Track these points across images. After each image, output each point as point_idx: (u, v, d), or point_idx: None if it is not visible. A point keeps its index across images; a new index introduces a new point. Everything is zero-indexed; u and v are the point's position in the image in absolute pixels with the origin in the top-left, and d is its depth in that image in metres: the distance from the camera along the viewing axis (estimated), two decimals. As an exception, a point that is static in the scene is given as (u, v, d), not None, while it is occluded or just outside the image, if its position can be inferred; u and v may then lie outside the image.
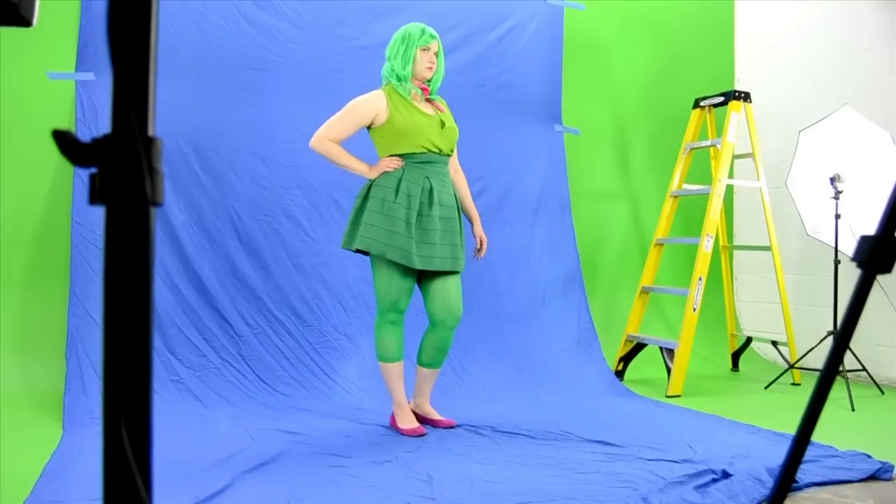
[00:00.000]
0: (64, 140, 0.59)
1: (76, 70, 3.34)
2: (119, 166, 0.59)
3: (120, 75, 0.61)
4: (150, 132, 0.61)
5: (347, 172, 2.90)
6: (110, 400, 0.61)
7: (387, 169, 2.84)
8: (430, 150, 2.87)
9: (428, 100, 2.97)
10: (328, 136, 2.85)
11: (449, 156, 2.98)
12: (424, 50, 2.89)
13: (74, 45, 3.35)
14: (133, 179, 0.59)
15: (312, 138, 2.86)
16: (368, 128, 2.92)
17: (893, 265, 0.82)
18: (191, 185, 3.51)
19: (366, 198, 2.86)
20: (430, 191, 2.85)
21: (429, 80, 2.96)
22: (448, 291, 2.90)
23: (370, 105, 2.85)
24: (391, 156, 2.87)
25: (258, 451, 2.56)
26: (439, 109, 2.98)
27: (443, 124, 2.92)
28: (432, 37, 2.90)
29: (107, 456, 0.60)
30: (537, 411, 3.30)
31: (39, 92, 3.41)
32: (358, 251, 2.90)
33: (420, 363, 3.00)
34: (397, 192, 2.80)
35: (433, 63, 2.92)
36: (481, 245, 3.13)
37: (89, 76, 3.32)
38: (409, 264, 2.77)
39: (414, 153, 2.85)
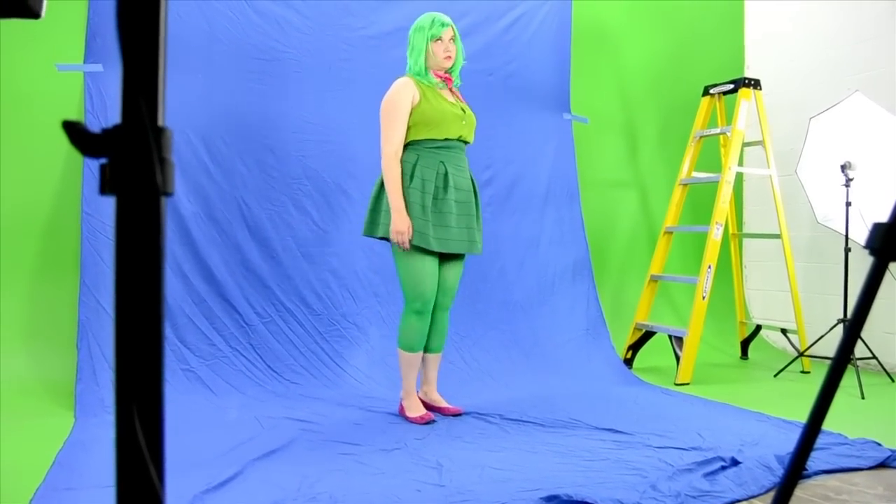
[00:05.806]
0: (74, 131, 0.59)
1: (85, 62, 3.33)
2: (129, 156, 0.60)
3: (130, 66, 0.61)
4: (160, 122, 0.62)
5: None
6: (123, 389, 0.61)
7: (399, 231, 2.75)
8: (450, 139, 2.86)
9: (450, 89, 2.95)
10: (395, 146, 2.78)
11: (468, 143, 2.97)
12: (437, 41, 2.85)
13: (83, 36, 3.34)
14: (143, 169, 0.60)
15: (383, 160, 2.78)
16: None
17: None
18: (200, 175, 3.52)
19: (382, 186, 2.86)
20: (445, 175, 2.84)
21: (450, 69, 2.93)
22: (448, 274, 2.95)
23: (406, 93, 2.80)
24: (409, 141, 2.83)
25: (268, 438, 2.58)
26: (458, 97, 2.97)
27: (463, 111, 2.91)
28: (443, 25, 2.85)
29: (119, 443, 0.61)
30: (546, 399, 3.31)
31: (48, 84, 3.41)
32: (382, 238, 2.91)
33: (422, 349, 3.01)
34: (412, 177, 2.80)
35: (450, 52, 2.87)
36: None
37: (98, 68, 3.32)
38: (426, 247, 2.78)
39: (434, 139, 2.84)
